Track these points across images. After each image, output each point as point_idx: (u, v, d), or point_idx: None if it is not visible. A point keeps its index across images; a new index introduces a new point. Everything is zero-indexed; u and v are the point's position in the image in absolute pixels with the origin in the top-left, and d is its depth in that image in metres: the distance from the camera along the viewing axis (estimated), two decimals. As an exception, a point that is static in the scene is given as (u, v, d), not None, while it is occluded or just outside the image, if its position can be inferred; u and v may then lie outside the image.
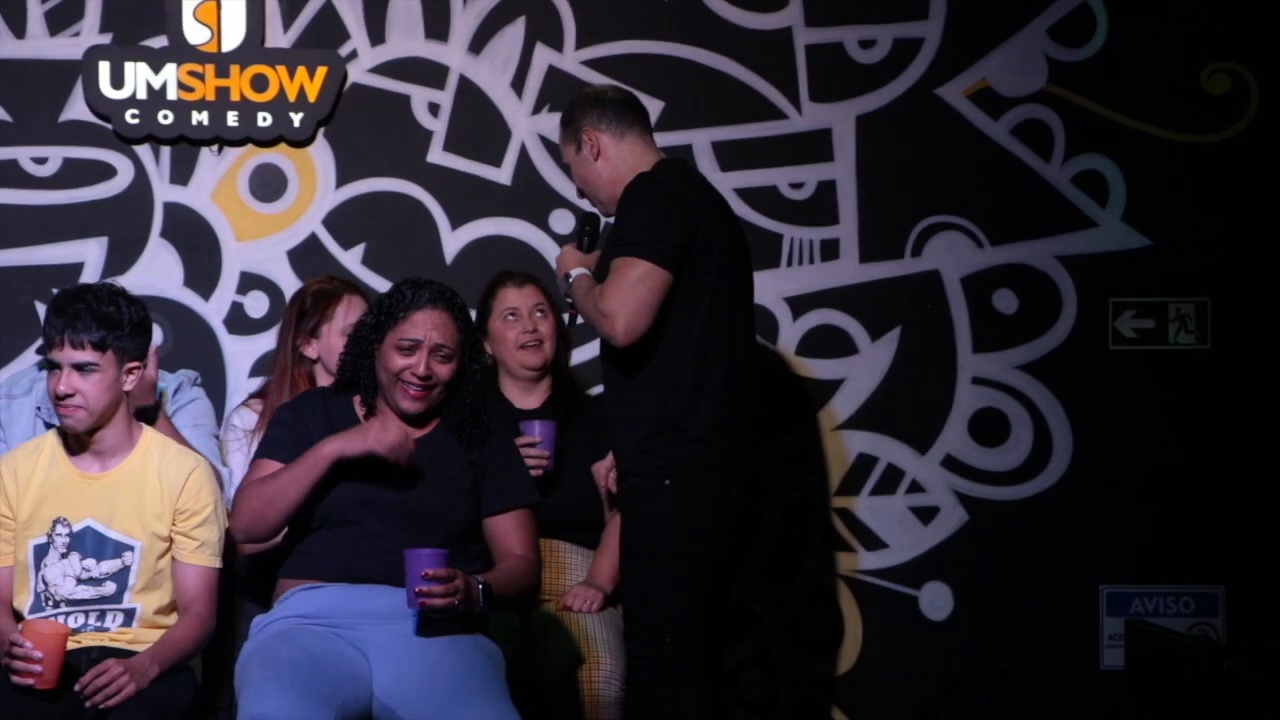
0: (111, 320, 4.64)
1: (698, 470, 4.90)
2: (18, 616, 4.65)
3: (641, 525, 4.92)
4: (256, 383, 5.84)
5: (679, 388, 4.91)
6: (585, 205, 5.30)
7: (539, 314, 5.53)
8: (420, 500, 4.64)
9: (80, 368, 4.60)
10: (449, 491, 4.67)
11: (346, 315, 5.34)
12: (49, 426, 4.97)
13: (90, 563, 4.62)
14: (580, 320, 5.08)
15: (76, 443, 4.69)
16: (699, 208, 4.96)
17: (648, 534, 4.90)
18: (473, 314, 5.14)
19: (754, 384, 5.02)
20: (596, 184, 5.07)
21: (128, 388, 4.68)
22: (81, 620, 4.62)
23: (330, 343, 5.33)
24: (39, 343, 4.85)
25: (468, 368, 4.76)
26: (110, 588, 4.63)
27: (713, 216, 4.99)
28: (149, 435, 4.77)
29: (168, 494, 4.66)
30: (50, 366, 4.64)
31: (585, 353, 6.00)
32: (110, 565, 4.63)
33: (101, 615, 4.64)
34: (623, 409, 5.00)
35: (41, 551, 4.63)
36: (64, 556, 4.62)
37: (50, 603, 4.61)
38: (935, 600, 6.19)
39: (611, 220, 5.07)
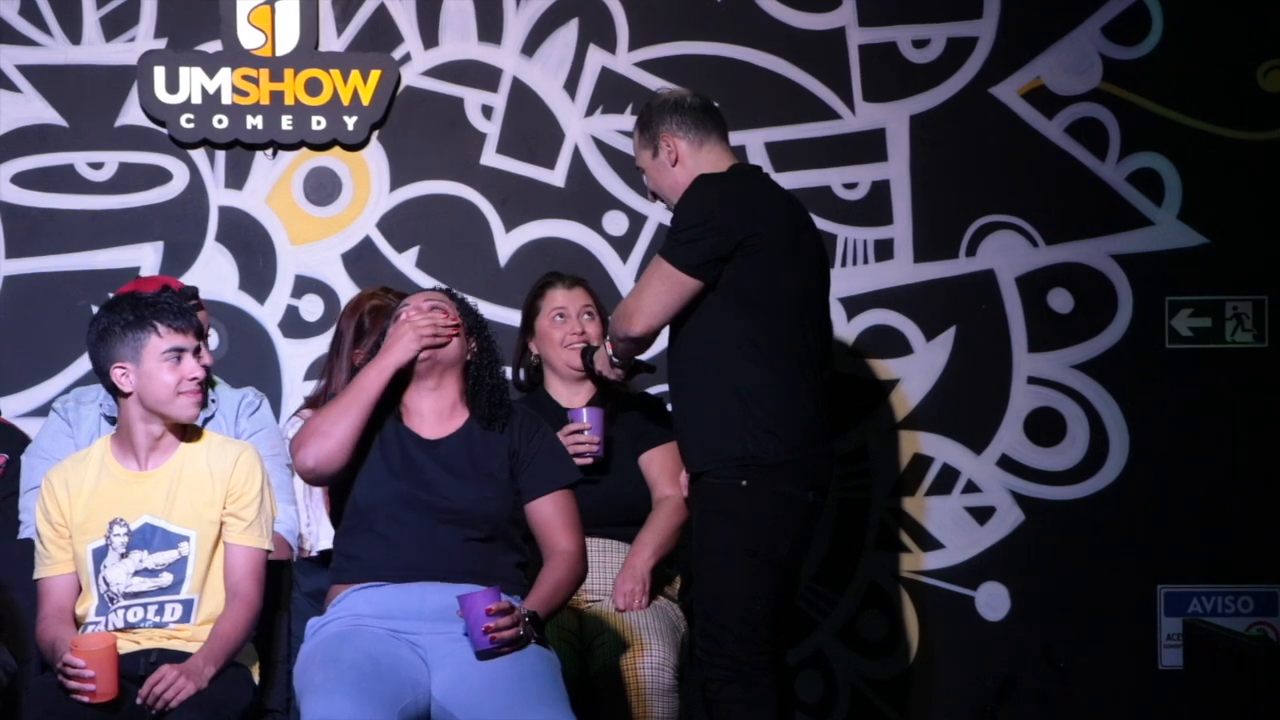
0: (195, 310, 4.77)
1: (774, 470, 4.89)
2: (80, 624, 4.67)
3: (716, 525, 4.92)
4: (310, 386, 5.85)
5: (753, 389, 4.90)
6: (658, 208, 5.30)
7: (587, 315, 5.53)
8: (457, 494, 4.63)
9: (194, 351, 4.67)
10: (485, 483, 4.66)
11: None
12: (111, 422, 5.01)
13: (143, 554, 4.63)
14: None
15: (126, 444, 4.70)
16: (761, 211, 4.94)
17: (723, 533, 4.90)
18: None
19: (826, 385, 5.03)
20: (672, 189, 5.06)
21: None
22: (140, 615, 4.63)
23: None
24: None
25: (480, 344, 4.76)
26: (167, 579, 4.64)
27: (778, 220, 4.97)
28: (194, 429, 4.80)
29: (219, 480, 4.67)
30: (171, 357, 4.65)
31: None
32: (165, 556, 4.64)
33: (160, 609, 4.65)
34: (696, 411, 4.99)
35: (100, 554, 4.64)
36: (124, 556, 4.63)
37: (115, 603, 4.63)
38: (992, 600, 6.18)
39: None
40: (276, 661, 4.87)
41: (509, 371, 5.59)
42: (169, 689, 4.47)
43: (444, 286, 4.82)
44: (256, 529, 4.71)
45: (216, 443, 4.77)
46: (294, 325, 6.10)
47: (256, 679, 4.75)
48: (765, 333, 4.91)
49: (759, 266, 4.91)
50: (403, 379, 4.71)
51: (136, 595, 4.63)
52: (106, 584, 4.63)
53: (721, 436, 4.91)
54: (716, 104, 5.19)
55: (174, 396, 4.65)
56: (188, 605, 4.66)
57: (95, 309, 5.81)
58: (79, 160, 6.06)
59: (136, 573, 4.63)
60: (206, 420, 5.23)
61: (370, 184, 6.11)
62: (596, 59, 6.16)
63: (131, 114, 6.06)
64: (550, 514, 4.70)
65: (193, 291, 5.22)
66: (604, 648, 5.10)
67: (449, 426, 4.73)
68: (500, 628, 4.43)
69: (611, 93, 6.13)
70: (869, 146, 6.20)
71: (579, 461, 5.26)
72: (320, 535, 5.35)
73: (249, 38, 6.04)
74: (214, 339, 5.88)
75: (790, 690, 5.32)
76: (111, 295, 4.89)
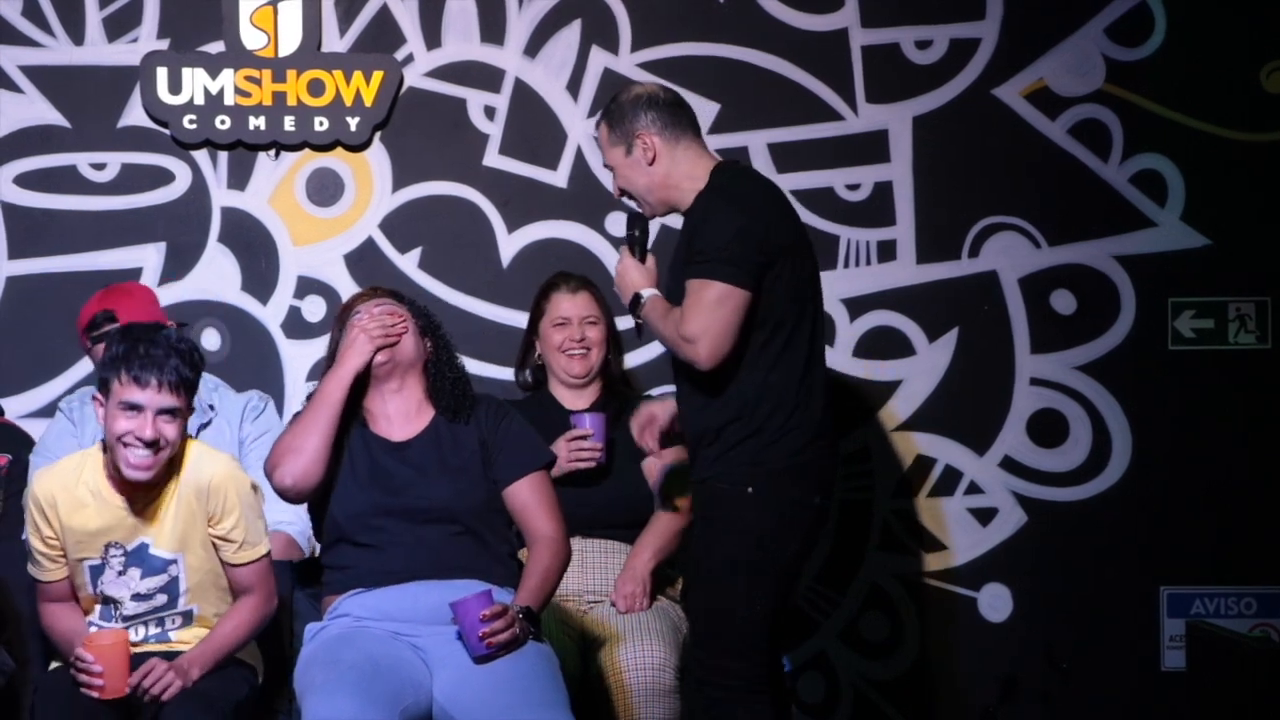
0: (194, 364, 4.54)
1: (783, 475, 4.76)
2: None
3: (720, 533, 4.76)
4: (313, 387, 5.84)
5: (760, 393, 4.77)
6: (628, 204, 5.26)
7: (589, 323, 5.52)
8: (431, 492, 4.65)
9: (166, 412, 4.49)
10: (458, 477, 4.68)
11: None
12: None
13: (138, 572, 4.61)
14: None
15: (114, 470, 4.63)
16: (774, 216, 4.85)
17: (727, 542, 4.75)
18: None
19: (828, 386, 4.94)
20: (648, 187, 4.92)
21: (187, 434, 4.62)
22: (144, 633, 4.64)
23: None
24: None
25: (435, 342, 4.82)
26: (162, 599, 4.63)
27: (785, 223, 4.88)
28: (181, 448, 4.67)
29: (200, 503, 4.60)
30: (127, 408, 4.49)
31: (638, 356, 6.01)
32: (156, 581, 4.61)
33: (161, 621, 4.65)
34: (701, 415, 4.84)
35: (97, 570, 4.62)
36: (121, 574, 4.62)
37: (118, 610, 4.63)
38: (994, 602, 6.17)
39: (656, 220, 5.02)
40: (288, 658, 4.88)
41: (513, 373, 5.62)
42: (156, 683, 4.47)
43: (390, 289, 4.92)
44: (250, 544, 4.63)
45: (192, 462, 4.63)
46: (296, 326, 6.09)
47: (260, 679, 4.75)
48: (772, 334, 4.82)
49: (770, 272, 4.85)
50: (366, 388, 4.74)
51: (135, 617, 4.64)
52: (106, 594, 4.62)
53: (727, 442, 4.78)
54: (683, 95, 5.11)
55: (116, 444, 4.52)
56: (187, 614, 4.67)
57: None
58: (81, 161, 6.06)
59: (133, 597, 4.62)
60: (203, 426, 5.22)
61: (373, 185, 6.11)
62: (599, 60, 6.16)
63: (134, 115, 6.05)
64: (527, 498, 4.71)
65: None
66: (605, 648, 5.11)
67: (416, 426, 4.76)
68: (495, 632, 4.44)
69: (614, 94, 6.11)
70: (871, 148, 6.20)
71: (580, 467, 5.28)
72: (323, 537, 5.36)
73: (251, 38, 6.04)
74: (215, 341, 5.82)
75: (790, 692, 5.31)
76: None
